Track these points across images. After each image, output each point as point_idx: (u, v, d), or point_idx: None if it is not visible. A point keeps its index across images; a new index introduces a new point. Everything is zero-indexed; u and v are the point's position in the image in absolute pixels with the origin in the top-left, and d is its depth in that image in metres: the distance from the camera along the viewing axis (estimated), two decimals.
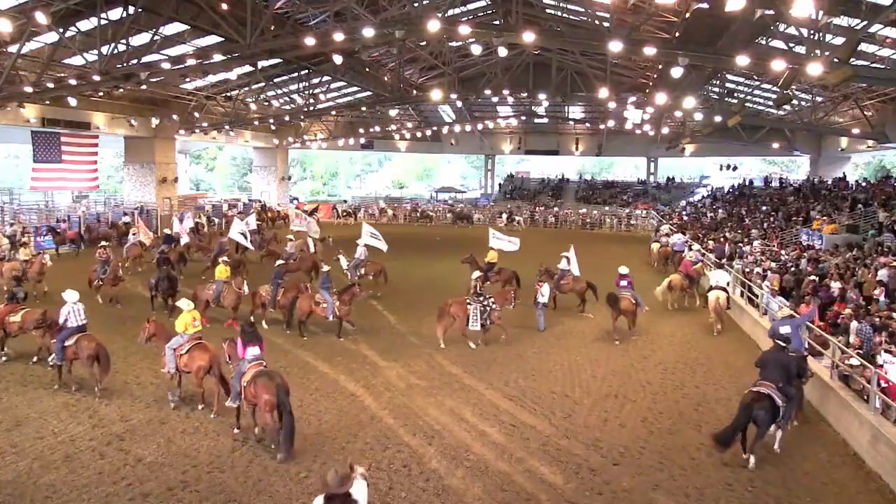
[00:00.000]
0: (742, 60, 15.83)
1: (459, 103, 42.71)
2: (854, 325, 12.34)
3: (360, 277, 19.87)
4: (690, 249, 23.11)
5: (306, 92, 36.36)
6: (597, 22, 22.14)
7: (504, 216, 44.29)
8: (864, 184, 31.13)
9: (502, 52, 20.59)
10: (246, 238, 22.82)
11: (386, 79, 35.67)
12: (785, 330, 10.92)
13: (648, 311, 16.53)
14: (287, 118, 41.14)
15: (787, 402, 9.20)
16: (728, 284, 17.43)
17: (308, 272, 20.84)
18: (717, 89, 30.03)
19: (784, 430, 9.49)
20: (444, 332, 14.36)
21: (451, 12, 22.75)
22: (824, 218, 24.89)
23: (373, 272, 20.39)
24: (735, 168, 48.76)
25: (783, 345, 9.96)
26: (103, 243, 20.27)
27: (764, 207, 33.58)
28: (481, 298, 14.47)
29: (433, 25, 16.52)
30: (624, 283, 15.86)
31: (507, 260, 20.36)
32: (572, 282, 18.07)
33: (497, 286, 18.22)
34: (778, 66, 15.60)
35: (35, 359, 12.67)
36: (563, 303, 18.29)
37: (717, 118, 28.71)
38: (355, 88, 39.66)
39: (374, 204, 49.75)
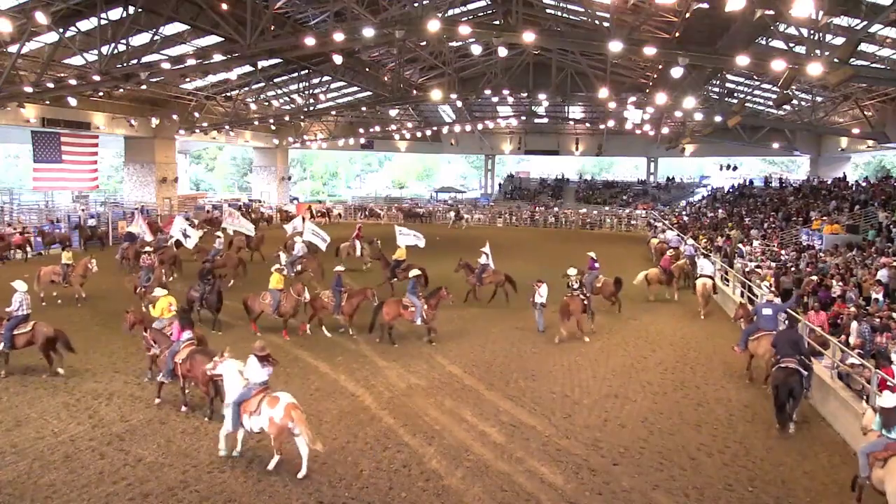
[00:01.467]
0: (742, 60, 15.81)
1: (459, 103, 42.72)
2: (854, 325, 12.35)
3: (298, 274, 20.19)
4: (685, 244, 23.90)
5: (306, 92, 36.36)
6: (597, 22, 22.12)
7: (451, 214, 44.79)
8: (864, 184, 31.13)
9: (502, 52, 20.60)
10: (187, 237, 23.09)
11: (386, 79, 35.67)
12: (767, 312, 12.21)
13: (647, 311, 17.58)
14: (287, 118, 41.14)
15: (807, 372, 10.35)
16: (713, 273, 19.02)
17: (234, 269, 21.10)
18: (717, 89, 30.04)
19: (806, 398, 10.67)
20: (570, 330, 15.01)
21: (451, 12, 22.77)
22: (824, 218, 24.90)
23: (310, 269, 20.69)
24: (735, 168, 48.74)
25: (791, 324, 11.02)
26: (146, 249, 18.87)
27: (764, 207, 33.60)
28: (580, 290, 15.36)
29: (433, 25, 16.52)
30: (597, 265, 18.34)
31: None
32: (492, 275, 19.06)
33: (406, 283, 19.29)
34: (778, 66, 15.58)
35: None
36: (482, 294, 19.04)
37: (717, 118, 28.72)
38: (355, 88, 39.66)
39: (323, 203, 51.09)
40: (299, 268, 20.68)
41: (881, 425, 7.57)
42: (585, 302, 15.25)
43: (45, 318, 16.01)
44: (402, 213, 46.03)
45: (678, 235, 28.99)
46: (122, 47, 21.75)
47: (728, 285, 20.28)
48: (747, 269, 20.05)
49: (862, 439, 8.17)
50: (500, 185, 56.35)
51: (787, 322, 11.85)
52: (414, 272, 15.57)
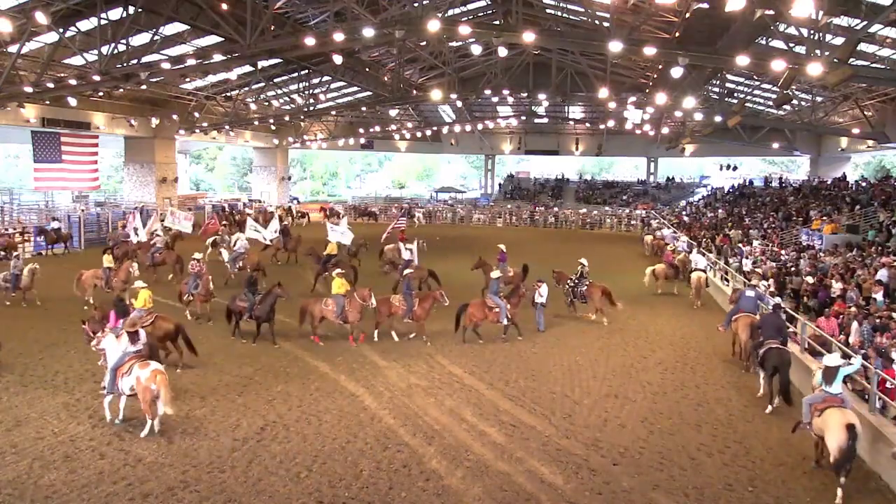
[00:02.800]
0: (742, 60, 15.81)
1: (459, 103, 42.71)
2: (855, 325, 12.37)
3: (239, 270, 20.34)
4: (678, 241, 25.89)
5: (306, 92, 36.35)
6: (597, 22, 22.12)
7: (414, 212, 45.63)
8: (864, 184, 31.14)
9: (502, 52, 20.59)
10: (136, 234, 23.60)
11: (386, 79, 35.66)
12: (749, 294, 13.59)
13: (647, 310, 17.76)
14: (287, 118, 41.13)
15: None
16: (706, 267, 20.80)
17: (174, 265, 21.22)
18: (717, 89, 30.03)
19: None
20: None
21: (451, 12, 22.76)
22: (824, 218, 24.89)
23: (250, 265, 20.84)
24: (735, 168, 48.74)
25: (775, 310, 12.12)
26: (196, 255, 17.73)
27: (764, 207, 33.61)
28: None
29: (433, 25, 16.51)
30: (506, 257, 19.40)
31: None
32: (415, 270, 19.19)
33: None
34: (778, 66, 15.58)
35: None
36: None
37: (717, 118, 28.71)
38: (355, 88, 39.66)
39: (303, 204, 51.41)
40: (241, 264, 20.91)
41: (822, 381, 8.83)
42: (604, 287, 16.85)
43: (50, 319, 16.12)
44: (357, 212, 46.65)
45: (673, 232, 30.18)
46: (122, 47, 21.75)
47: (728, 284, 20.30)
48: (746, 269, 20.09)
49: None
50: (500, 185, 56.34)
51: (770, 307, 12.90)
52: (496, 273, 15.49)
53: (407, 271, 16.45)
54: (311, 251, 21.20)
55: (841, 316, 13.37)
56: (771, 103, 29.05)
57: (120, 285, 17.55)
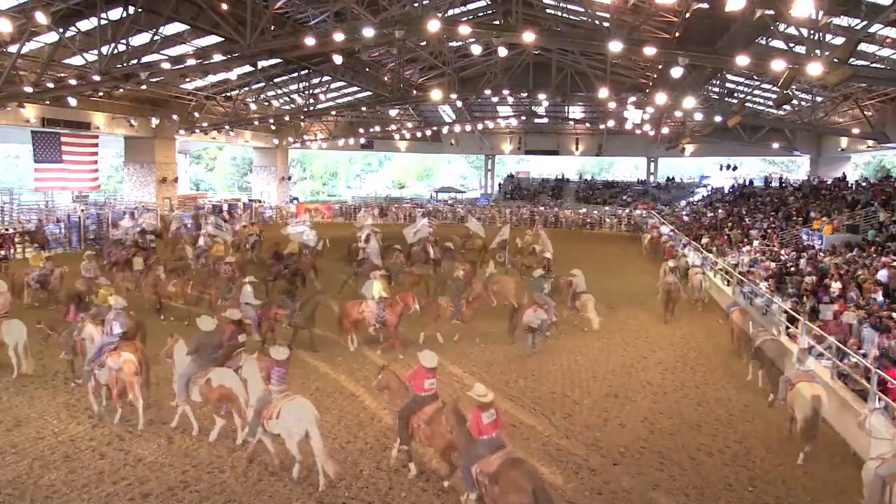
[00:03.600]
0: (742, 60, 15.79)
1: (459, 103, 42.66)
2: (855, 325, 12.37)
3: (202, 267, 20.33)
4: (677, 239, 26.98)
5: (306, 92, 36.32)
6: (597, 22, 22.11)
7: (376, 211, 45.64)
8: (864, 184, 31.12)
9: (502, 52, 20.55)
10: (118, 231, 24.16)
11: (386, 79, 35.65)
12: (745, 290, 15.53)
13: (647, 310, 17.90)
14: (287, 118, 41.11)
15: None
16: (701, 263, 21.66)
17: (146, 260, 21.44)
18: (717, 89, 30.02)
19: None
20: None
21: (451, 12, 22.75)
22: (824, 218, 24.87)
23: (213, 262, 20.79)
24: (735, 168, 48.69)
25: (767, 304, 13.47)
26: (228, 259, 17.34)
27: (764, 207, 33.59)
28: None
29: (433, 25, 16.49)
30: (453, 255, 20.03)
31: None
32: (371, 268, 19.05)
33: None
34: (778, 66, 15.56)
35: None
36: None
37: (717, 118, 28.69)
38: (355, 88, 39.62)
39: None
40: (202, 261, 20.95)
41: (796, 361, 9.86)
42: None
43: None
44: (338, 213, 46.99)
45: (671, 230, 30.97)
46: (122, 47, 21.71)
47: (728, 284, 20.33)
48: (744, 270, 20.11)
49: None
50: (500, 185, 56.32)
51: (763, 302, 14.41)
52: (538, 272, 15.44)
53: (458, 273, 16.37)
54: (273, 250, 21.19)
55: (843, 315, 13.36)
56: (771, 103, 29.01)
57: (150, 289, 17.42)
